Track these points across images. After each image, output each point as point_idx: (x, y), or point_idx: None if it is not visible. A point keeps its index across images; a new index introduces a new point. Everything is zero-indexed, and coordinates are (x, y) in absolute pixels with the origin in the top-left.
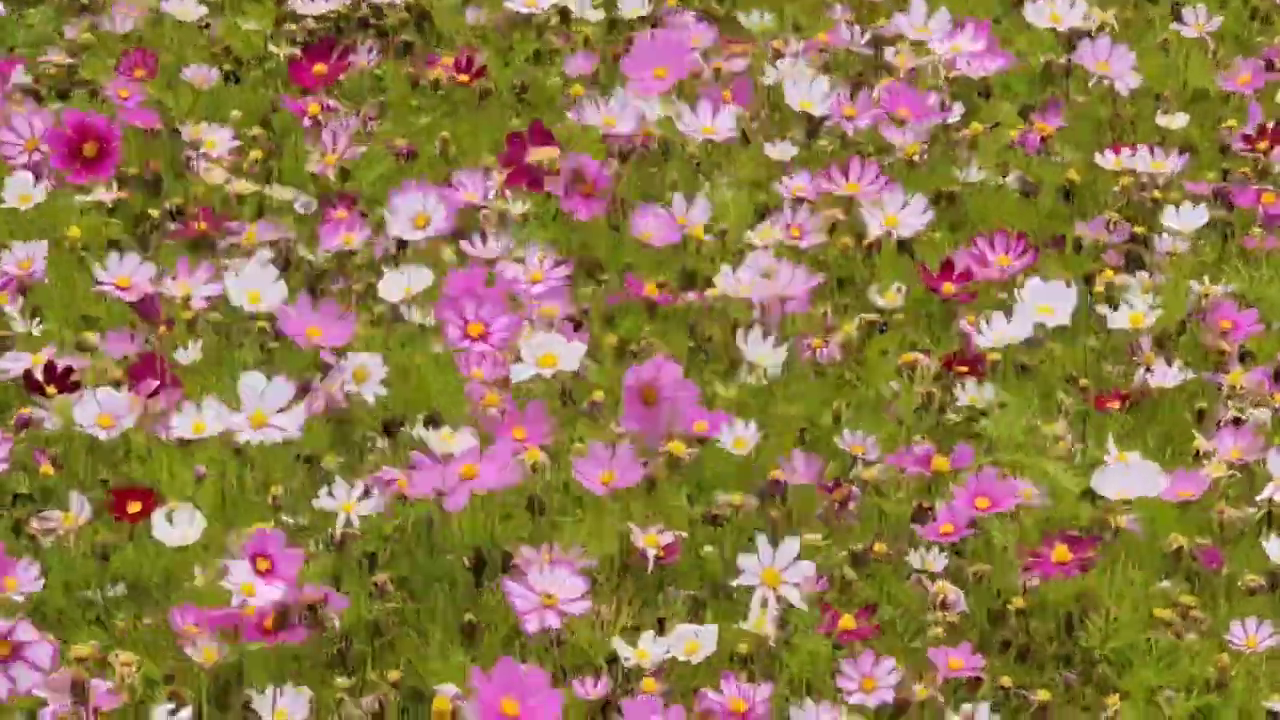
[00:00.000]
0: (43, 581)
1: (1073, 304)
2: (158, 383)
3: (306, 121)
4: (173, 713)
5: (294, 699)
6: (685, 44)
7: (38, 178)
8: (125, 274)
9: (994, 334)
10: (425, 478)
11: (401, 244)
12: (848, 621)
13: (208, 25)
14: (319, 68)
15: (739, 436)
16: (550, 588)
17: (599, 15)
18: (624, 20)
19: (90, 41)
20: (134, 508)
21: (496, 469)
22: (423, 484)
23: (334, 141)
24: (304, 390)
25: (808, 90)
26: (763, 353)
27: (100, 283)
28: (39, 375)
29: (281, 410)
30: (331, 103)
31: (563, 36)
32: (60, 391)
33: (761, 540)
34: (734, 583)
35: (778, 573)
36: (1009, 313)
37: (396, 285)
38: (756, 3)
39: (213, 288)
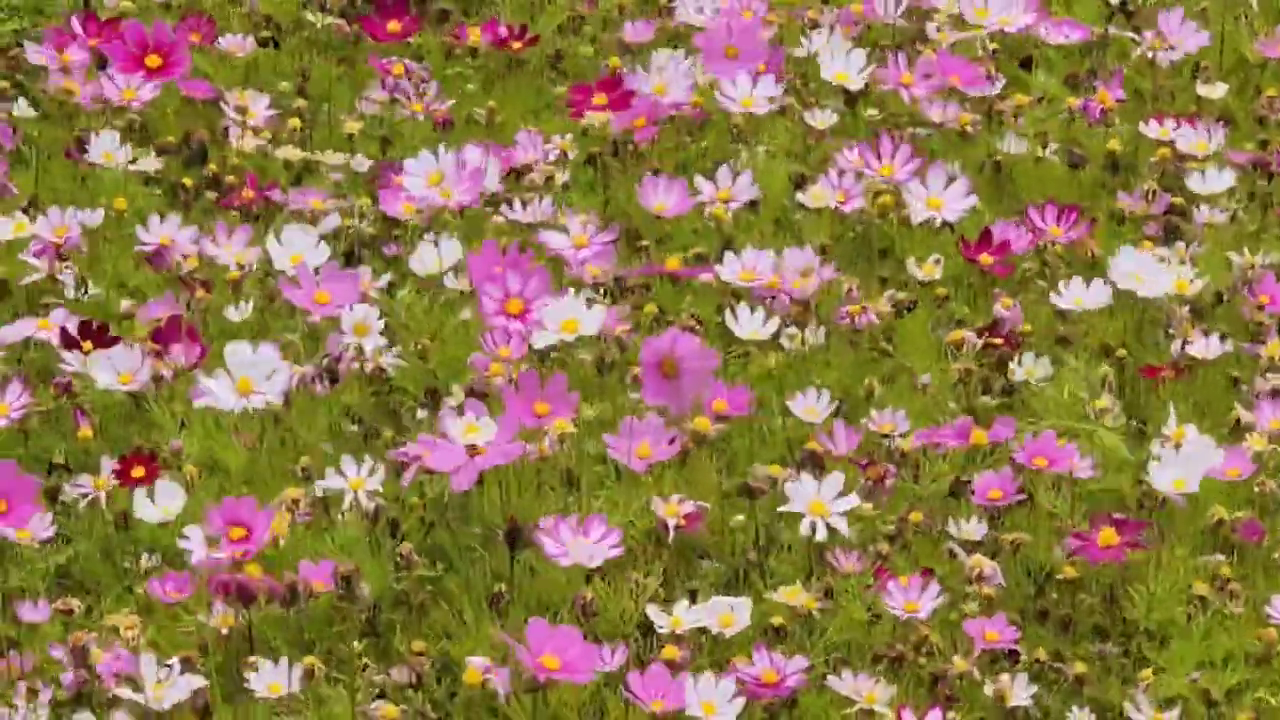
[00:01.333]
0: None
1: (1167, 279)
2: (181, 344)
3: (389, 80)
4: (174, 671)
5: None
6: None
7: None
8: (166, 235)
9: (1073, 298)
10: (442, 456)
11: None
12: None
13: None
14: (393, 25)
15: (810, 406)
16: (581, 547)
17: None
18: None
19: (130, 10)
20: (138, 473)
21: (500, 445)
22: (439, 462)
23: (417, 95)
24: (336, 359)
25: (844, 61)
26: (754, 330)
27: (142, 243)
28: (74, 332)
29: (268, 378)
30: (410, 62)
31: (590, 4)
32: (97, 348)
33: (807, 476)
34: (782, 509)
35: (824, 503)
36: (1088, 278)
37: (429, 257)
38: None
39: (254, 251)
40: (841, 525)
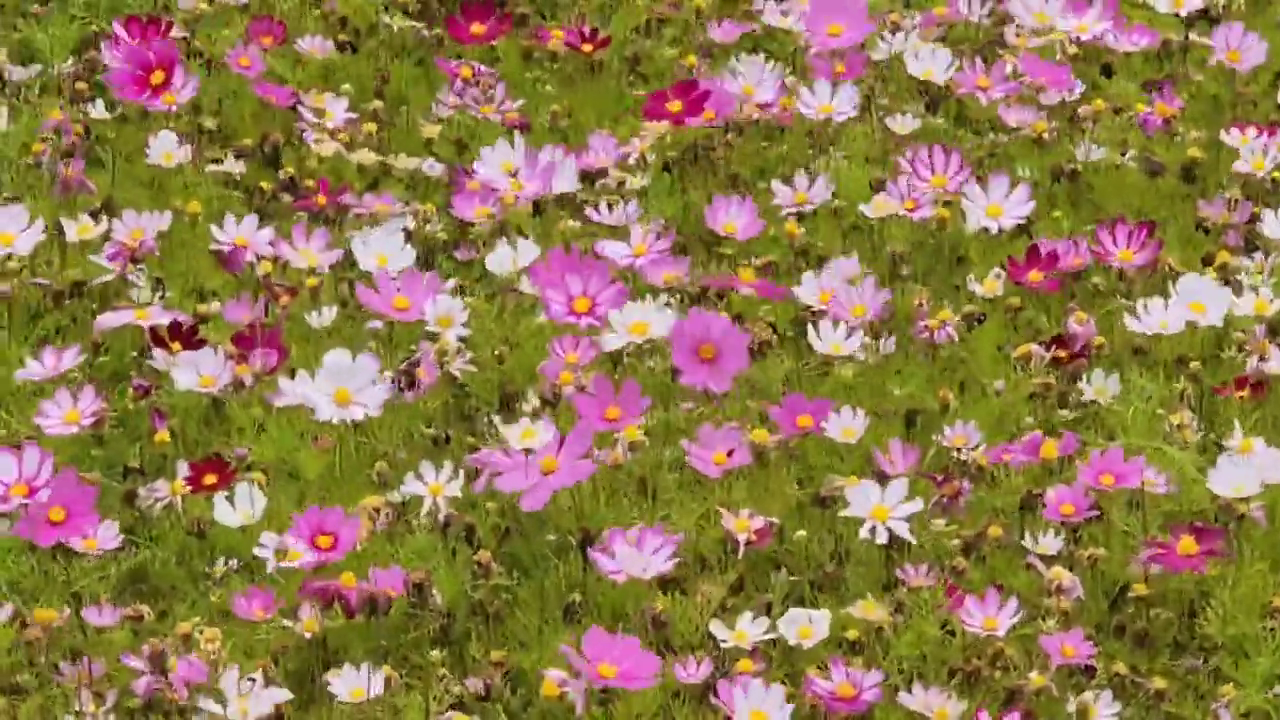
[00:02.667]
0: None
1: (1225, 304)
2: (260, 349)
3: (458, 84)
4: (251, 683)
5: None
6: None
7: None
8: (242, 236)
9: (1155, 321)
10: (510, 478)
11: (537, 209)
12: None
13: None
14: (477, 27)
15: (847, 426)
16: (635, 560)
17: None
18: None
19: (205, 11)
20: (210, 480)
21: (572, 463)
22: (508, 482)
23: (485, 98)
24: (413, 363)
25: (930, 60)
26: (835, 343)
27: (218, 243)
28: (164, 331)
29: (363, 389)
30: (482, 67)
31: (672, 6)
32: (185, 348)
33: (871, 482)
34: (843, 514)
35: (887, 508)
36: (1166, 301)
37: (504, 258)
38: None
39: (334, 254)
40: (902, 530)
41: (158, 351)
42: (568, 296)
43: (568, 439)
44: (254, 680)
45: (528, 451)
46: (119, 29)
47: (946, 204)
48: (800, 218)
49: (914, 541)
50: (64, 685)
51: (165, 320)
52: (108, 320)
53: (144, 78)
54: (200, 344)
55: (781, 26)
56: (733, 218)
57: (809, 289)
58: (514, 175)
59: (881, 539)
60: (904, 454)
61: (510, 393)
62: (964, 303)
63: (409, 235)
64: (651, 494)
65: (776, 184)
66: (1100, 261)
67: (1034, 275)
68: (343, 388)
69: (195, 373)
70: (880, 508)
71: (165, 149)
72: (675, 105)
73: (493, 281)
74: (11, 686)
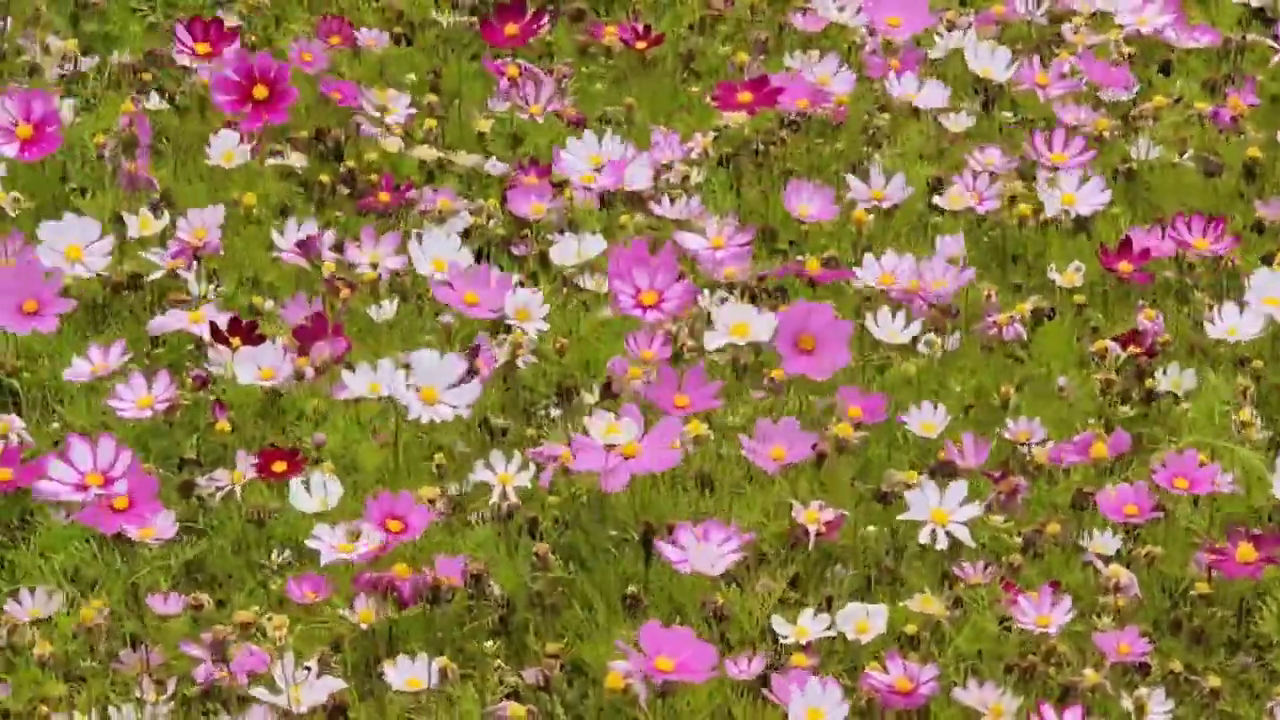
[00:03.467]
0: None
1: None
2: (325, 340)
3: (504, 83)
4: (312, 673)
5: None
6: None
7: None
8: (305, 234)
9: (1226, 327)
10: (588, 457)
11: (603, 203)
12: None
13: None
14: (510, 28)
15: (925, 420)
16: (703, 554)
17: None
18: None
19: (262, 3)
20: (279, 467)
21: (656, 450)
22: (585, 462)
23: (536, 95)
24: (473, 353)
25: (988, 58)
26: (893, 332)
27: (278, 249)
28: (224, 327)
29: (453, 386)
30: (527, 64)
31: (727, 3)
32: (245, 344)
33: (930, 483)
34: (902, 517)
35: (946, 511)
36: (1240, 303)
37: (569, 250)
38: None
39: (399, 259)
40: (963, 534)
41: (218, 347)
42: (635, 289)
43: (655, 429)
44: (309, 669)
45: (609, 447)
46: (181, 32)
47: (1014, 199)
48: (867, 212)
49: (972, 545)
50: (123, 673)
51: (219, 319)
52: (162, 323)
53: (247, 90)
54: (260, 339)
55: (839, 21)
56: (806, 202)
57: (870, 271)
58: (598, 170)
59: (941, 543)
60: (976, 447)
61: (569, 386)
62: (1035, 299)
63: (467, 232)
64: (711, 487)
65: (852, 179)
66: (1181, 252)
67: (1124, 266)
68: (430, 386)
69: (255, 366)
70: (939, 511)
71: (226, 148)
72: (745, 96)
73: (553, 275)
74: (70, 674)
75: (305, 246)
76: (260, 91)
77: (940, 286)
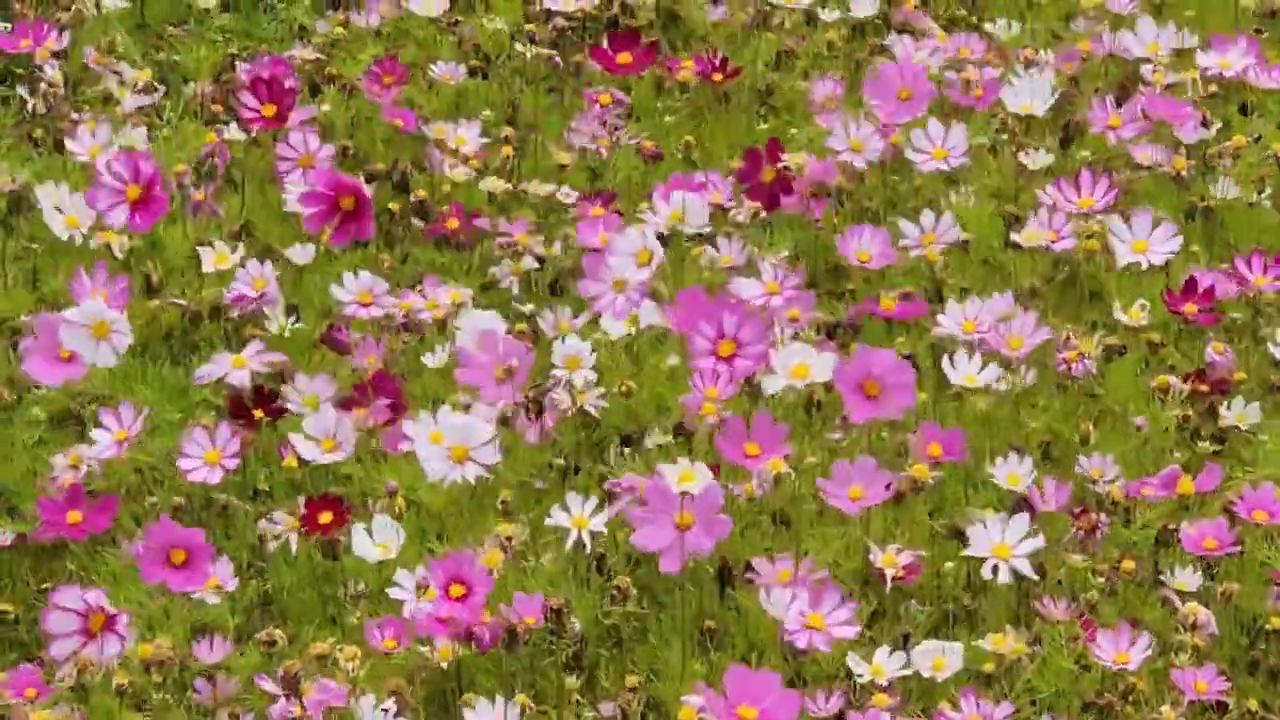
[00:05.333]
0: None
1: None
2: (383, 403)
3: (597, 109)
4: (388, 712)
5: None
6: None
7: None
8: (365, 289)
9: None
10: (647, 534)
11: (663, 239)
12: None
13: (456, 23)
14: (624, 56)
15: (1013, 473)
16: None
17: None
18: (868, 21)
19: (341, 36)
20: (325, 518)
21: (708, 519)
22: (644, 539)
23: (610, 129)
24: (539, 395)
25: (1041, 98)
26: (969, 374)
27: (341, 302)
28: (249, 401)
29: (483, 445)
30: (619, 93)
31: (802, 39)
32: (267, 416)
33: (992, 518)
34: (964, 553)
35: (1008, 546)
36: None
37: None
38: (1004, 10)
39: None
40: (1025, 567)
41: (292, 385)
42: (717, 335)
43: (699, 497)
44: (387, 710)
45: (685, 495)
46: (247, 97)
47: (1088, 237)
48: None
49: (1036, 578)
50: (199, 705)
51: (260, 366)
52: (207, 371)
53: (334, 201)
54: (281, 411)
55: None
56: (865, 246)
57: (952, 319)
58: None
59: (1005, 578)
60: (1057, 490)
61: (637, 427)
62: (1102, 335)
63: (540, 262)
64: (787, 524)
65: (904, 222)
66: (1242, 290)
67: (1189, 308)
68: (460, 445)
69: (315, 442)
70: (1002, 546)
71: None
72: None
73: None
74: (141, 706)
75: (336, 340)
76: (347, 202)
77: (1018, 347)
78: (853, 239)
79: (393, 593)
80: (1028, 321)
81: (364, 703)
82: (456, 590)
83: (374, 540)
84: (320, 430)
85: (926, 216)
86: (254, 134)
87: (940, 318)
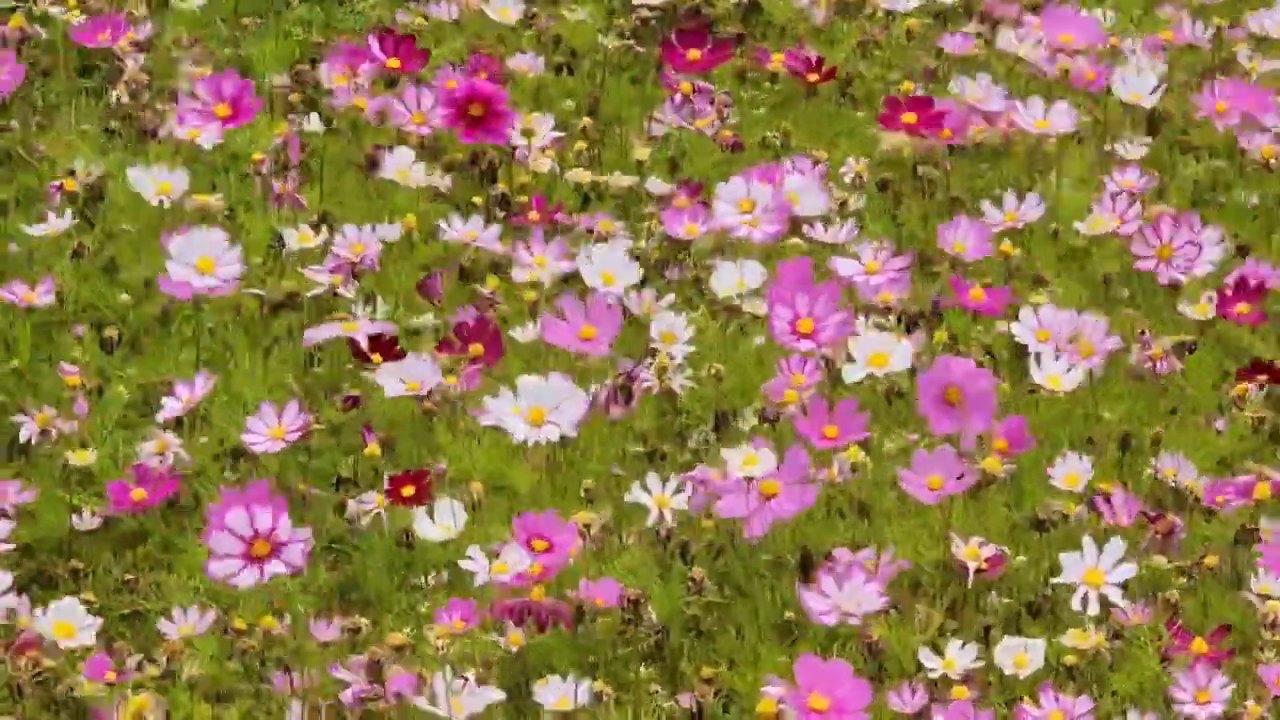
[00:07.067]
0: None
1: None
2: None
3: (677, 98)
4: (464, 682)
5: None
6: None
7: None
8: (472, 231)
9: None
10: (730, 502)
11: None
12: (1199, 645)
13: (533, 17)
14: (693, 53)
15: (1072, 473)
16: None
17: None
18: (950, 9)
19: (422, 27)
20: (408, 491)
21: (792, 487)
22: (728, 507)
23: (718, 116)
24: (629, 379)
25: (1143, 83)
26: (1054, 374)
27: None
28: (364, 343)
29: (557, 408)
30: (702, 83)
31: (884, 29)
32: (386, 360)
33: (1087, 541)
34: (1055, 580)
35: (1101, 573)
36: None
37: (729, 277)
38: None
39: (564, 265)
40: (1115, 595)
41: (367, 363)
42: (794, 315)
43: (784, 464)
44: (466, 679)
45: (749, 479)
46: (374, 44)
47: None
48: (1015, 238)
49: (1125, 606)
50: (276, 695)
51: (373, 331)
52: (317, 333)
53: (464, 107)
54: (401, 354)
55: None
56: (962, 237)
57: (1027, 327)
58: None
59: (1093, 609)
60: (1126, 502)
61: (726, 412)
62: (1176, 329)
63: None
64: (867, 515)
65: (986, 205)
66: None
67: (1242, 308)
68: (537, 407)
69: (399, 379)
70: (1094, 571)
71: (400, 165)
72: (910, 117)
73: (710, 300)
74: (218, 694)
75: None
76: (476, 109)
77: (1089, 355)
78: (951, 230)
79: (465, 565)
80: (1099, 327)
81: (440, 678)
82: (540, 545)
83: (438, 522)
84: (413, 375)
85: (1010, 199)
86: (355, 96)
87: (1015, 326)
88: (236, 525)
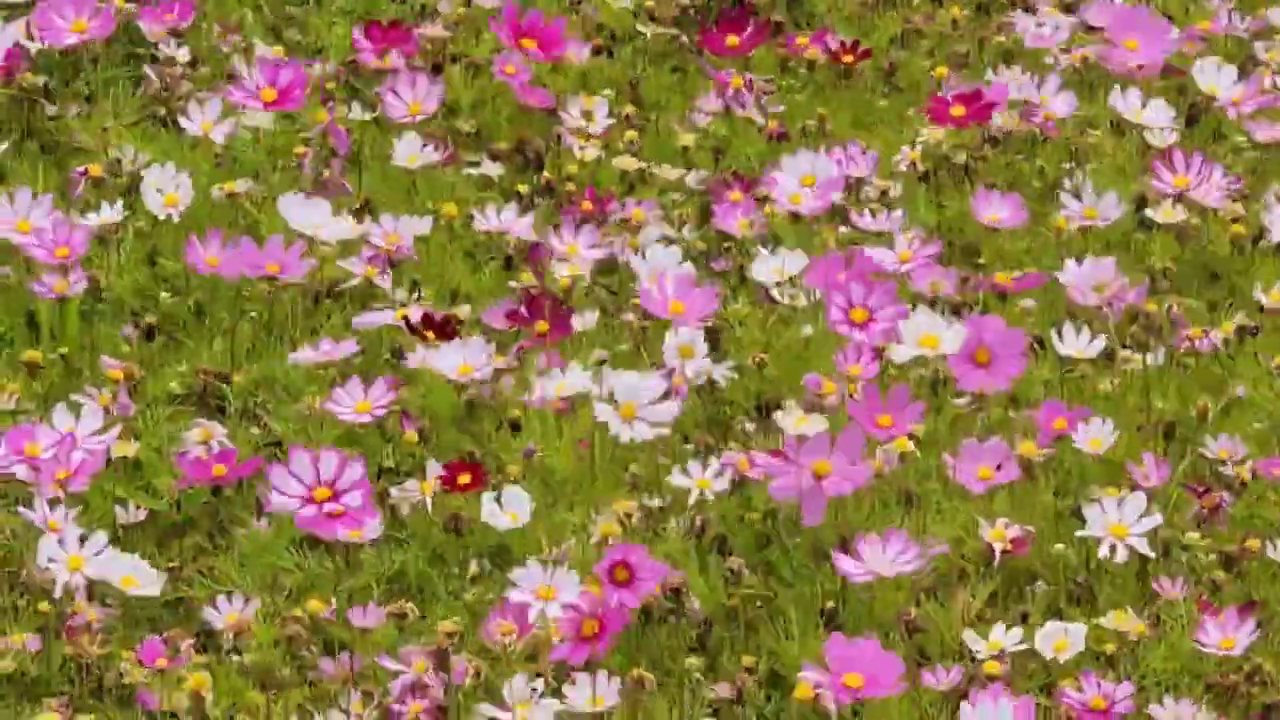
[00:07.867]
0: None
1: None
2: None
3: (727, 91)
4: (534, 691)
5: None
6: None
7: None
8: (506, 224)
9: None
10: (784, 484)
11: (795, 216)
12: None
13: (579, 3)
14: (732, 39)
15: (1094, 436)
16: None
17: None
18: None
19: (464, 16)
20: (464, 479)
21: (845, 467)
22: (782, 489)
23: (757, 107)
24: (669, 371)
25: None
26: (1078, 349)
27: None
28: (417, 320)
29: (653, 403)
30: (750, 75)
31: (928, 19)
32: (439, 339)
33: (1109, 499)
34: (1080, 534)
35: (1125, 525)
36: None
37: (770, 266)
38: None
39: (597, 252)
40: (1143, 546)
41: (418, 346)
42: (847, 303)
43: (839, 440)
44: (536, 689)
45: (800, 439)
46: (358, 36)
47: (1235, 220)
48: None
49: (1153, 555)
50: (326, 683)
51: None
52: (367, 319)
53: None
54: (453, 334)
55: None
56: (995, 209)
57: (1071, 274)
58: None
59: (1121, 557)
60: (1157, 467)
61: (770, 400)
62: (1227, 318)
63: (669, 244)
64: (911, 502)
65: (1066, 197)
66: None
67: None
68: (629, 403)
69: (455, 362)
70: (1119, 525)
71: (410, 152)
72: (958, 109)
73: (752, 290)
74: (269, 681)
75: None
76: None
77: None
78: (984, 202)
79: (512, 595)
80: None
81: (519, 682)
82: (589, 627)
83: (504, 509)
84: (467, 358)
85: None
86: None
87: (1060, 274)
88: (300, 470)
